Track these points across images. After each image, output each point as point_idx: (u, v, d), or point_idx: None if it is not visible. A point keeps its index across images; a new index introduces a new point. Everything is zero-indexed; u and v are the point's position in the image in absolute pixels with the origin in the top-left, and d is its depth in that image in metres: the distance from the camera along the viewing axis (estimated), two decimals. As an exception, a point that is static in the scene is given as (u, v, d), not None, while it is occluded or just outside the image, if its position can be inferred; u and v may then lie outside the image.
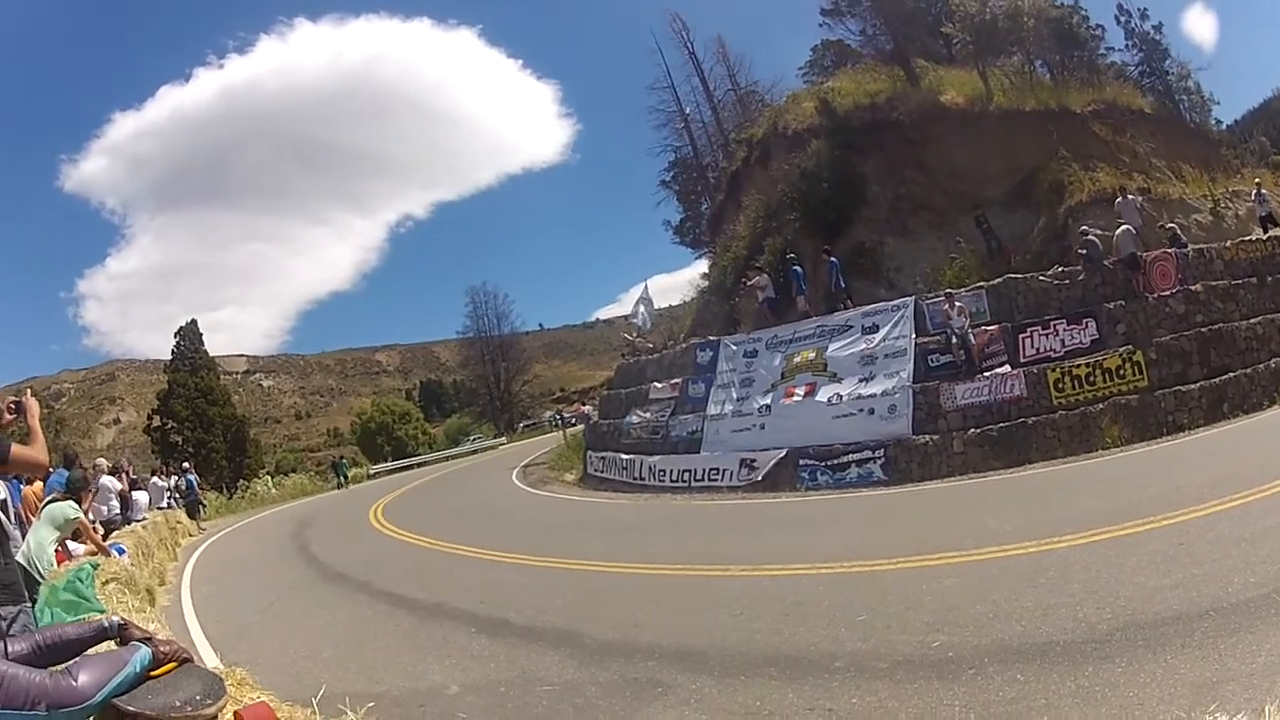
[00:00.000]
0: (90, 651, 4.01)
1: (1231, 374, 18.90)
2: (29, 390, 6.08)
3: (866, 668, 6.73)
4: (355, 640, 10.63)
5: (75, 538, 11.07)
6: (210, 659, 9.45)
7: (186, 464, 38.46)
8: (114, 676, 3.69)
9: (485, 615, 10.91)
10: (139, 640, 4.05)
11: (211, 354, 75.73)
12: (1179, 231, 23.00)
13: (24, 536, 9.54)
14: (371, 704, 5.67)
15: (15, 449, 4.97)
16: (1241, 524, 8.84)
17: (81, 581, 8.21)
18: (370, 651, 9.95)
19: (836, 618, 8.27)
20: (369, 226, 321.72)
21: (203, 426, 65.98)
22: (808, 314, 25.43)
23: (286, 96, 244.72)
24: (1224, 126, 37.61)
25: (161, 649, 4.03)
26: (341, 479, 54.78)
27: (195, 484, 33.40)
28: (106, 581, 9.04)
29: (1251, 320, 20.24)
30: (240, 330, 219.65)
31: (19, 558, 8.29)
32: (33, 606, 6.42)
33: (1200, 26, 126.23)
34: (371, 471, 62.42)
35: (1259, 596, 6.54)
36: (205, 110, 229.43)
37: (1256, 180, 26.98)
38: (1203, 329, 19.70)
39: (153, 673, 3.91)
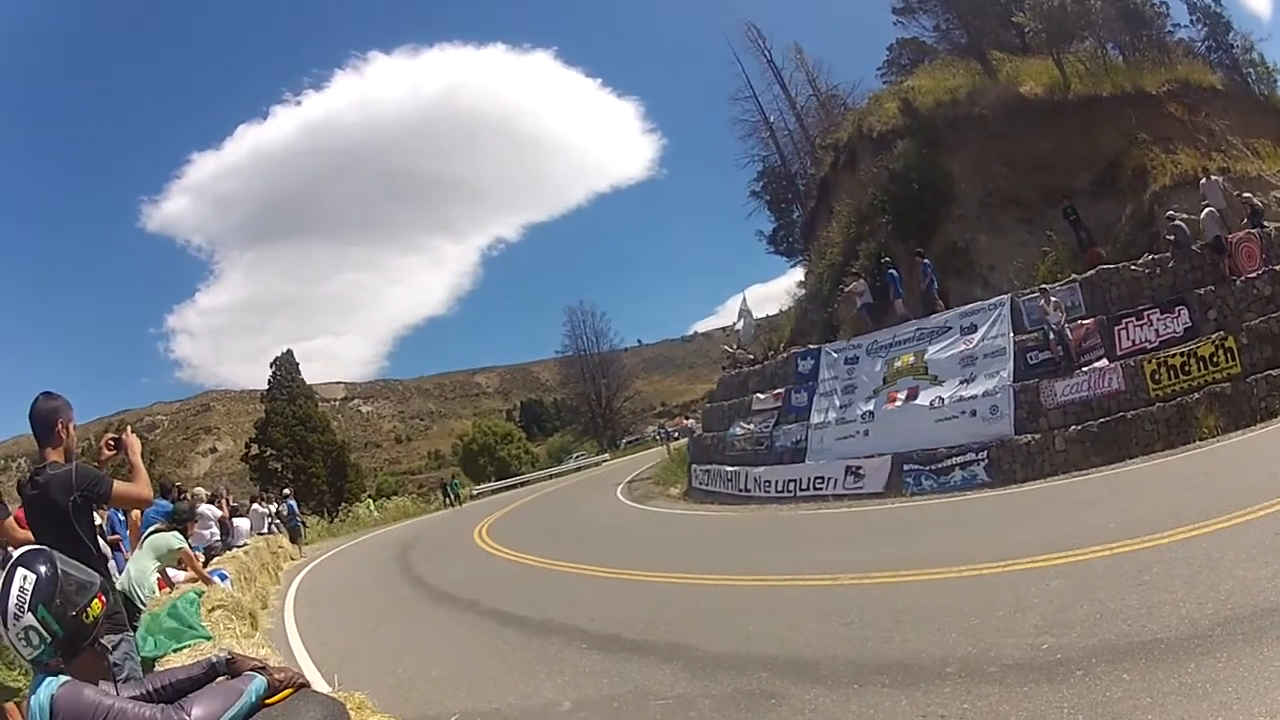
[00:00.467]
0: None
1: None
2: (130, 427, 6.51)
3: (977, 672, 6.86)
4: (465, 659, 10.85)
5: (177, 565, 11.18)
6: (317, 683, 9.32)
7: (287, 490, 39.42)
8: (229, 708, 3.73)
9: (596, 631, 11.05)
10: (252, 670, 4.07)
11: (309, 382, 77.84)
12: (1256, 204, 22.89)
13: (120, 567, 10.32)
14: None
15: (117, 485, 5.36)
16: None
17: (186, 609, 8.49)
18: (480, 670, 10.14)
19: (946, 623, 8.39)
20: (461, 251, 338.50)
21: (302, 453, 67.86)
22: (906, 317, 25.84)
23: (368, 129, 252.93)
24: None
25: (276, 676, 4.07)
26: (453, 498, 55.44)
27: (295, 509, 34.39)
28: (212, 609, 9.39)
29: (1340, 300, 19.84)
30: (337, 359, 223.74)
31: (119, 585, 8.92)
32: (134, 635, 6.62)
33: None
34: (475, 492, 63.04)
35: None
36: (287, 146, 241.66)
37: (1336, 151, 26.54)
38: None
39: (268, 701, 3.96)
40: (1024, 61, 34.40)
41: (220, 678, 4.10)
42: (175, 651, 7.13)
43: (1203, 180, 23.39)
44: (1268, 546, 8.36)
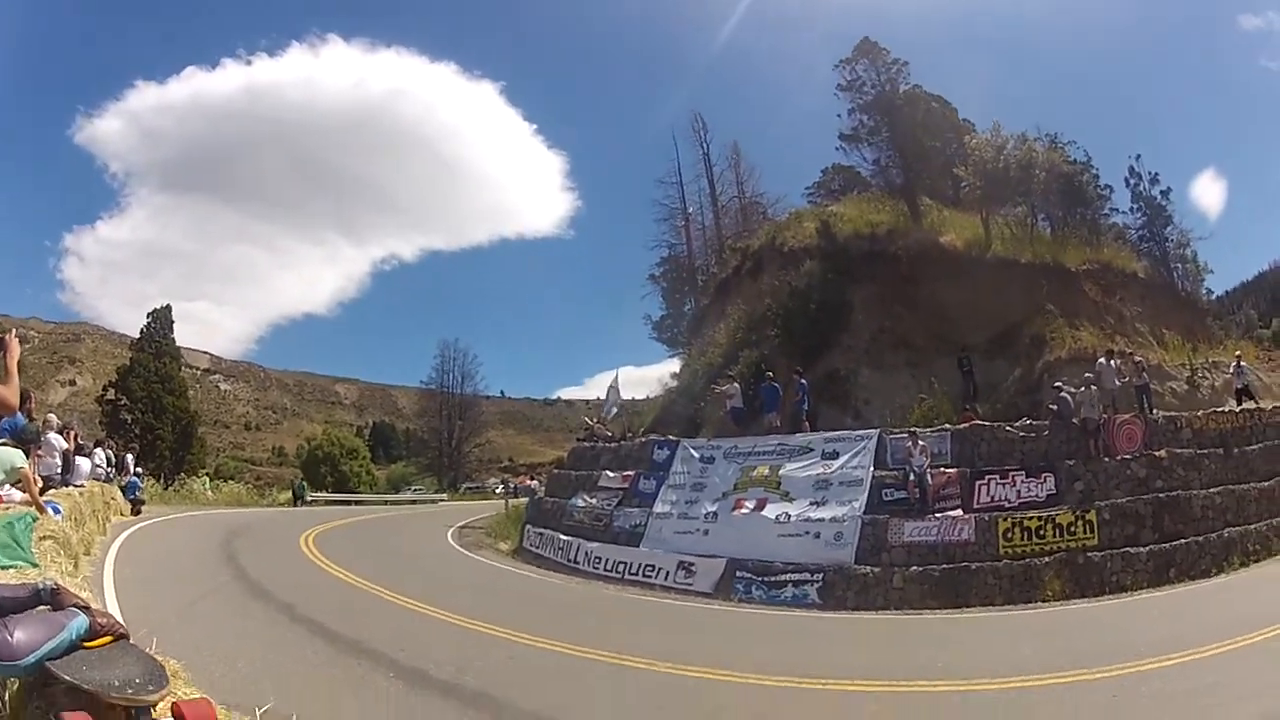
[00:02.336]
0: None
1: (1183, 540, 19.30)
2: (14, 330, 6.04)
3: None
4: (273, 660, 10.48)
5: (15, 484, 10.91)
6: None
7: (140, 469, 37.59)
8: (50, 639, 3.67)
9: (405, 663, 10.85)
10: (76, 607, 4.02)
11: (179, 344, 76.01)
12: (1148, 379, 23.78)
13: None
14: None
15: None
16: (1176, 680, 9.29)
17: (18, 529, 8.27)
18: (286, 674, 9.80)
19: None
20: (356, 256, 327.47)
21: (154, 412, 65.71)
22: (775, 430, 25.89)
23: (306, 110, 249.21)
24: (1214, 296, 38.33)
25: (99, 620, 4.02)
26: (300, 498, 55.50)
27: (139, 485, 32.31)
28: (43, 538, 9.23)
29: (1211, 490, 20.72)
30: (210, 327, 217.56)
31: None
32: None
33: (1209, 193, 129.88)
34: (310, 497, 61.40)
35: None
36: (226, 102, 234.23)
37: (1237, 353, 27.55)
38: (1160, 494, 20.13)
39: (87, 643, 3.87)
40: (952, 213, 35.27)
41: (43, 606, 4.14)
42: (1, 569, 6.96)
43: (1100, 360, 23.93)
44: (1101, 706, 8.79)
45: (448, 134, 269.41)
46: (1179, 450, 21.53)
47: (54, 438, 18.26)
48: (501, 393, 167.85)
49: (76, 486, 18.99)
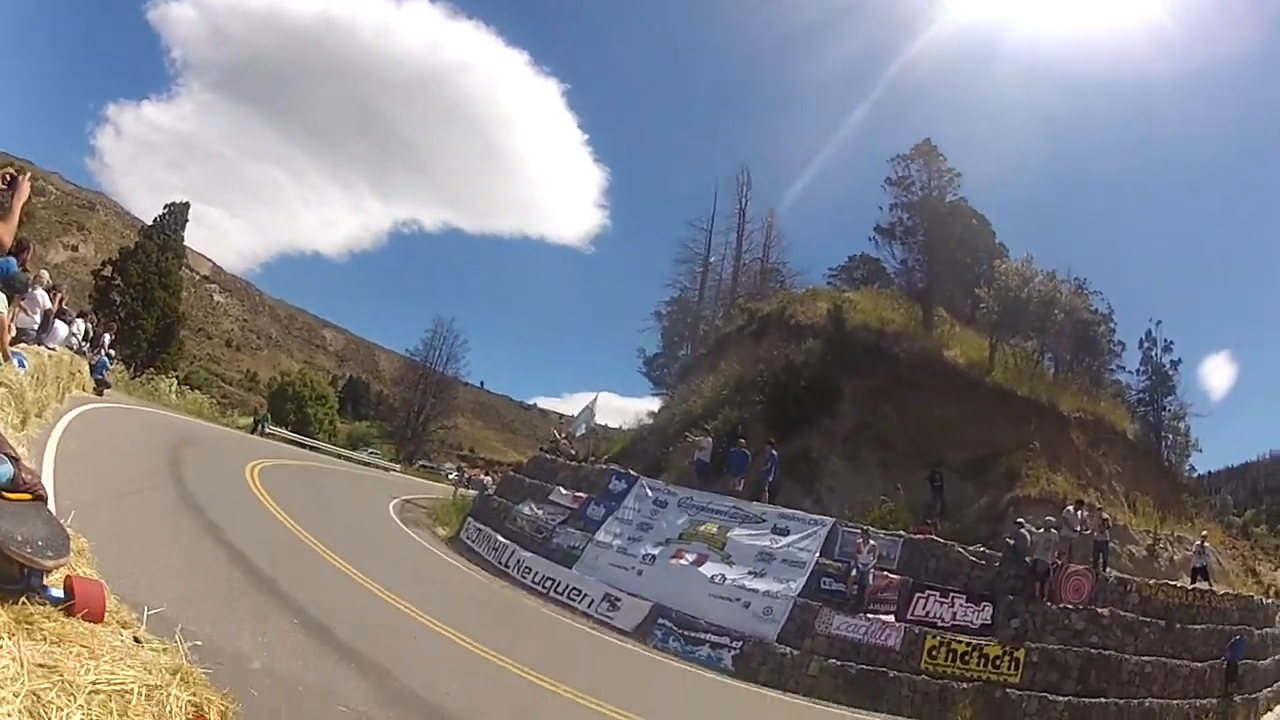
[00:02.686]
0: None
1: (1104, 699, 19.22)
2: (29, 175, 6.02)
3: None
4: (185, 573, 10.40)
5: None
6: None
7: (112, 351, 37.17)
8: None
9: (312, 614, 10.82)
10: (4, 454, 3.87)
11: (186, 243, 76.23)
12: (1109, 537, 23.86)
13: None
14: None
15: None
16: None
17: None
18: (193, 590, 9.68)
19: None
20: (380, 211, 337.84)
21: (144, 301, 65.63)
22: (735, 493, 25.79)
23: (375, 55, 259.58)
24: (1197, 474, 38.61)
25: (24, 475, 3.88)
26: (261, 428, 56.11)
27: (108, 364, 32.02)
28: None
29: (1144, 657, 20.69)
30: (221, 236, 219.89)
31: None
32: None
33: (1218, 374, 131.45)
34: (269, 429, 61.18)
35: None
36: (301, 24, 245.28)
37: (1204, 532, 27.61)
38: (1093, 650, 20.04)
39: (6, 494, 3.77)
40: (963, 330, 35.56)
41: None
42: None
43: (1068, 507, 24.08)
44: None
45: (502, 120, 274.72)
46: (1123, 613, 21.47)
47: (39, 294, 18.13)
48: (481, 383, 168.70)
49: (48, 348, 18.76)
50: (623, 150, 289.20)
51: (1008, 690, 18.91)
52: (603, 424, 45.51)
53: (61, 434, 16.19)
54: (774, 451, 26.65)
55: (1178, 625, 22.20)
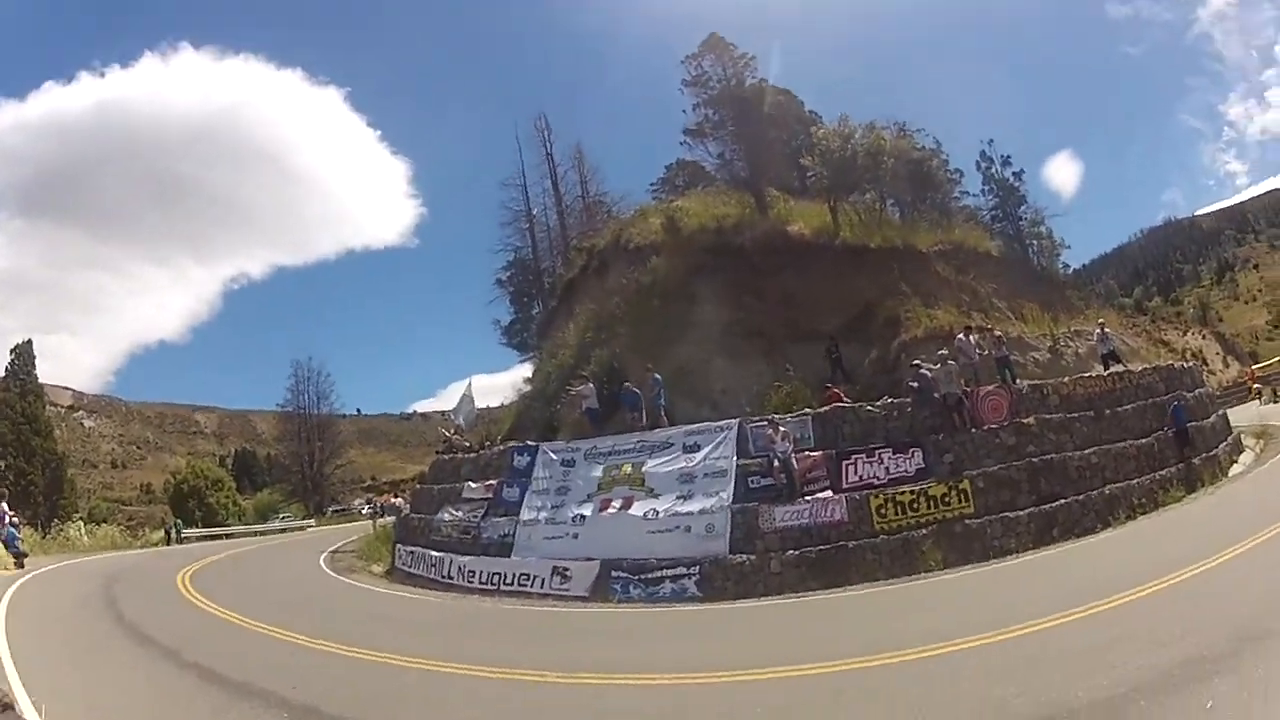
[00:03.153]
0: None
1: (1063, 500, 19.83)
2: None
3: None
4: (164, 710, 10.47)
5: None
6: (24, 698, 9.66)
7: (15, 519, 35.62)
8: None
9: (296, 701, 10.61)
10: None
11: (40, 380, 72.61)
12: (1008, 351, 24.49)
13: None
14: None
15: None
16: (1083, 637, 9.55)
17: None
18: None
19: None
20: (205, 276, 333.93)
21: (24, 456, 62.90)
22: (635, 427, 25.74)
23: (154, 123, 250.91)
24: (1072, 270, 40.38)
25: None
26: (175, 536, 55.71)
27: (17, 534, 31.39)
28: None
29: (1086, 450, 21.35)
30: (69, 361, 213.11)
31: None
32: None
33: (1064, 173, 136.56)
34: (181, 534, 60.32)
35: (1107, 699, 7.19)
36: (80, 118, 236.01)
37: (1100, 320, 28.52)
38: (1034, 459, 20.66)
39: None
40: (800, 203, 35.72)
41: None
42: None
43: (959, 336, 24.45)
44: (1012, 667, 8.85)
45: (292, 144, 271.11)
46: (1048, 416, 22.09)
47: None
48: (358, 410, 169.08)
49: None
50: (418, 135, 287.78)
51: (966, 522, 19.26)
52: (484, 406, 45.00)
53: (4, 620, 16.58)
54: (657, 375, 26.45)
55: (1107, 411, 23.03)
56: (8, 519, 31.02)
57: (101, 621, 17.94)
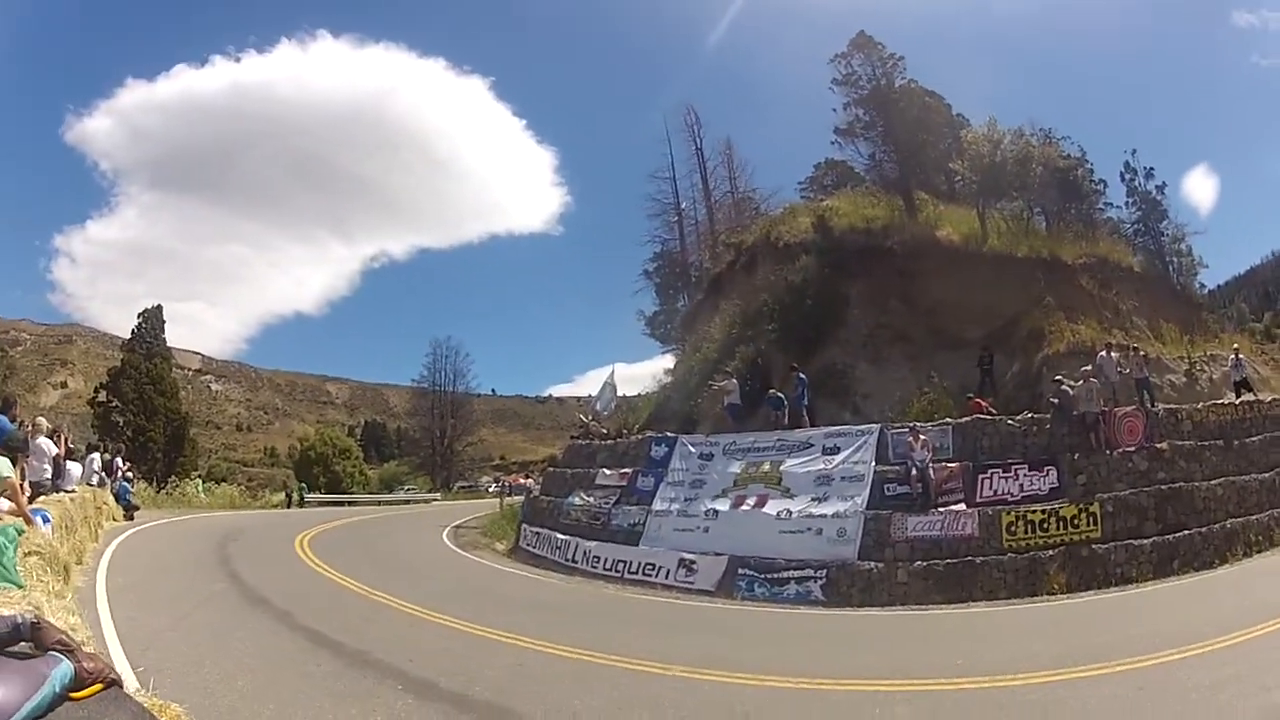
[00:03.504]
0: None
1: (1186, 531, 19.40)
2: None
3: None
4: (273, 674, 10.10)
5: (0, 494, 10.58)
6: (120, 660, 9.04)
7: (130, 473, 36.90)
8: (31, 697, 3.28)
9: (412, 674, 10.46)
10: (58, 650, 3.60)
11: (169, 344, 75.62)
12: (1148, 373, 24.22)
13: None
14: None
15: None
16: (1198, 672, 9.28)
17: (4, 545, 7.82)
18: (289, 690, 9.39)
19: None
20: (346, 254, 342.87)
21: (146, 414, 65.35)
22: (776, 426, 25.72)
23: (296, 107, 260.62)
24: (1207, 290, 38.69)
25: (85, 665, 3.63)
26: (300, 497, 57.93)
27: (129, 490, 31.79)
28: (29, 554, 8.76)
29: (1213, 481, 20.90)
30: (201, 327, 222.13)
31: None
32: None
33: (1201, 188, 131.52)
34: (305, 498, 62.20)
35: None
36: (216, 99, 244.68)
37: (1235, 345, 28.01)
38: (1163, 486, 20.21)
39: (74, 694, 3.51)
40: (948, 208, 35.57)
41: (23, 643, 3.66)
42: None
43: (1100, 353, 24.10)
44: (1129, 699, 8.70)
45: (437, 131, 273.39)
46: (1180, 442, 21.64)
47: (43, 442, 17.84)
48: (493, 391, 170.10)
49: (67, 492, 18.80)
50: (564, 125, 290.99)
51: (1093, 546, 18.97)
52: (623, 395, 45.27)
53: (107, 573, 16.28)
54: (801, 375, 26.58)
55: (1235, 442, 22.40)
56: (120, 472, 31.65)
57: (212, 579, 17.89)
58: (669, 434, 28.79)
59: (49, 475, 17.92)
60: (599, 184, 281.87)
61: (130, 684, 7.29)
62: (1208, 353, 28.21)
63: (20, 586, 7.02)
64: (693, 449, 26.81)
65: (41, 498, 15.52)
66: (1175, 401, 24.62)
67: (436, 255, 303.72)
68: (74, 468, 21.10)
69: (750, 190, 56.60)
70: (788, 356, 29.21)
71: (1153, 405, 23.07)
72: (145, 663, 9.24)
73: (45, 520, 12.57)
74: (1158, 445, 21.23)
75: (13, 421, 14.85)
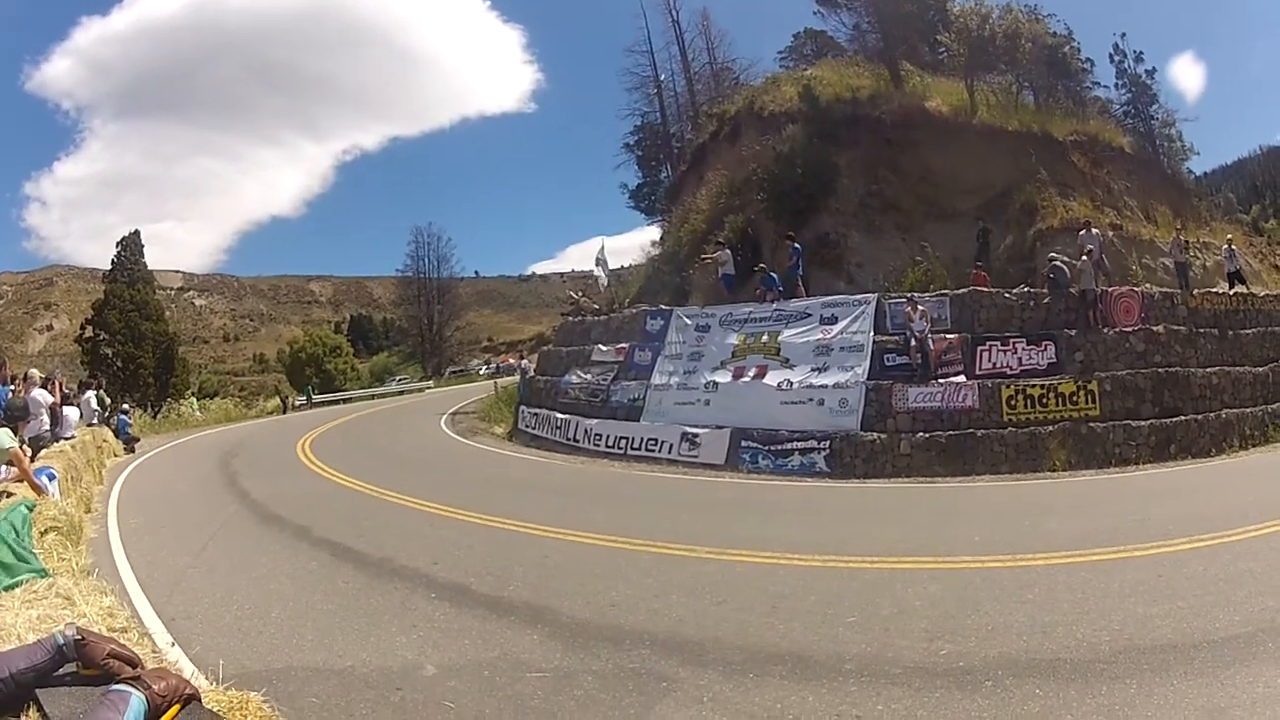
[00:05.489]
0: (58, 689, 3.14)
1: (1182, 417, 19.70)
2: None
3: (879, 673, 6.64)
4: (304, 598, 9.79)
5: (5, 464, 10.57)
6: (146, 612, 9.01)
7: (126, 406, 36.56)
8: None
9: (442, 579, 10.31)
10: (125, 681, 3.19)
11: (150, 268, 74.20)
12: (1185, 256, 24.77)
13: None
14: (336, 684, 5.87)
15: None
16: (1214, 564, 9.36)
17: (17, 530, 7.38)
18: (323, 614, 9.11)
19: (828, 615, 8.17)
20: (318, 153, 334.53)
21: (134, 341, 64.24)
22: (774, 299, 25.40)
23: (252, 14, 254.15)
24: (1194, 178, 38.62)
25: (156, 690, 3.25)
26: (308, 398, 60.47)
27: (129, 422, 32.22)
28: (45, 531, 8.36)
29: (1209, 369, 21.18)
30: (179, 246, 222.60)
31: None
32: None
33: (1187, 75, 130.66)
34: (298, 402, 63.33)
35: (1246, 634, 7.01)
36: (172, 20, 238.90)
37: (1229, 236, 27.98)
38: (1160, 369, 20.43)
39: None
40: (934, 79, 35.18)
41: (69, 664, 3.30)
42: (5, 590, 5.98)
43: (1083, 230, 24.06)
44: (1151, 586, 8.63)
45: (398, 21, 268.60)
46: (1176, 327, 21.80)
47: (38, 394, 17.75)
48: (476, 273, 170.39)
49: (66, 439, 18.68)
50: (530, 2, 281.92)
51: (1091, 425, 19.26)
52: (613, 269, 45.33)
53: (117, 515, 16.01)
54: (796, 245, 26.33)
55: (1230, 332, 22.72)
56: (119, 409, 32.50)
57: (223, 503, 17.56)
58: (663, 307, 28.53)
59: (47, 427, 17.83)
60: (571, 59, 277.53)
61: (162, 640, 7.57)
62: (1200, 240, 28.25)
63: (44, 574, 6.61)
64: (689, 321, 26.57)
65: (43, 451, 15.45)
66: (1169, 286, 24.67)
67: (409, 143, 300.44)
68: (71, 413, 20.99)
69: (729, 61, 56.29)
70: (779, 226, 29.05)
71: (1189, 290, 23.34)
72: (173, 609, 9.22)
73: (51, 478, 12.43)
74: (1153, 328, 21.35)
75: (4, 383, 15.08)
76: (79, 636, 3.19)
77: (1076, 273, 22.26)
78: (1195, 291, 23.72)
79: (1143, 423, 19.45)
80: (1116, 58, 36.25)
